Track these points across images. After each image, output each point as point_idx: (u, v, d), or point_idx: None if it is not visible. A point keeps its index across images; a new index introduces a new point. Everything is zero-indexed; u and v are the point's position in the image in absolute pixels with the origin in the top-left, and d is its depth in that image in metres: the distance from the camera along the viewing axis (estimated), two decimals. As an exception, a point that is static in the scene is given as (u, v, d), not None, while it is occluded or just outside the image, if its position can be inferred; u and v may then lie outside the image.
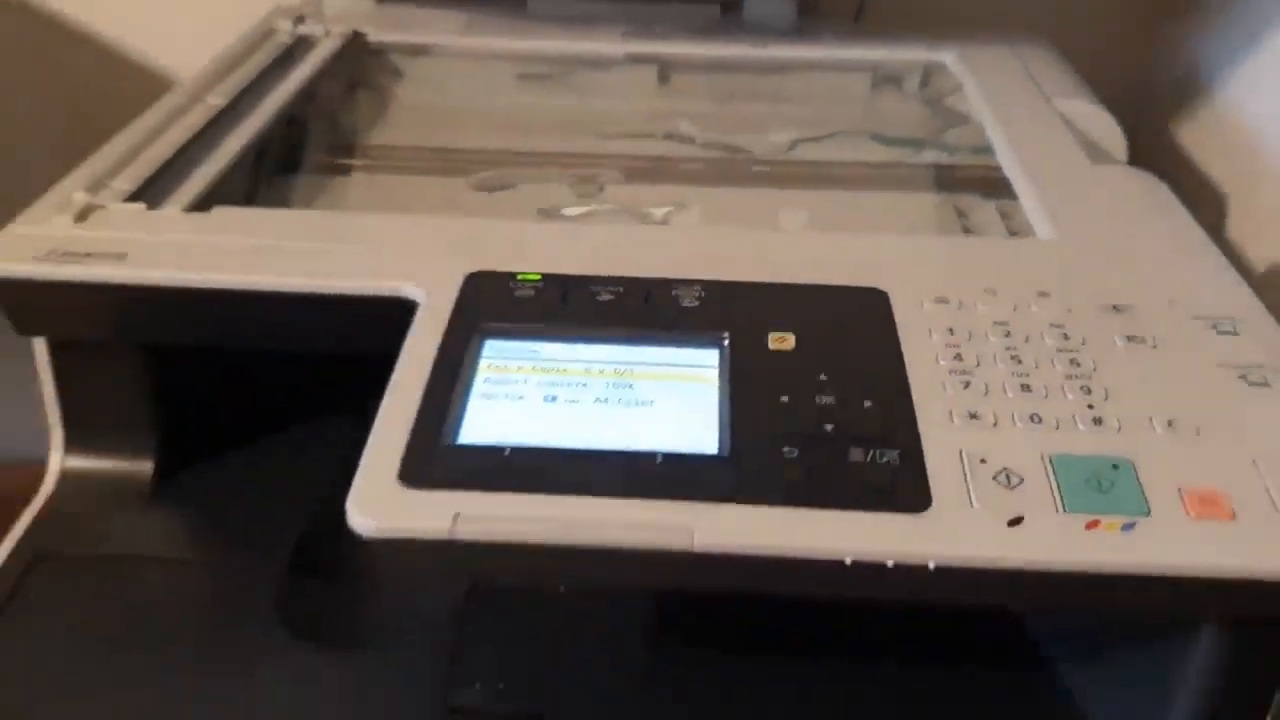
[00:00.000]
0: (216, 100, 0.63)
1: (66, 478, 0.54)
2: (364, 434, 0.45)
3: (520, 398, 0.42)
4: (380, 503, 0.37)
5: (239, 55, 0.69)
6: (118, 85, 0.99)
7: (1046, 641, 0.47)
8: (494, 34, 0.77)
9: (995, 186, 0.61)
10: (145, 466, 0.54)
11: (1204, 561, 0.36)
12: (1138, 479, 0.38)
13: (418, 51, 0.76)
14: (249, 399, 0.56)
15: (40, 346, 0.51)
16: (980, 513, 0.37)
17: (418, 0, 0.81)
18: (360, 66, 0.75)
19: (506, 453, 0.39)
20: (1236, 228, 0.76)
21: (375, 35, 0.75)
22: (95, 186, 0.53)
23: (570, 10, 0.80)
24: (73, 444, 0.54)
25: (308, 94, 0.67)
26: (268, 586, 0.49)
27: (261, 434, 0.57)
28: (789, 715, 0.45)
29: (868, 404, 0.41)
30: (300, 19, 0.76)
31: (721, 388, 0.42)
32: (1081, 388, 0.42)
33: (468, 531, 0.36)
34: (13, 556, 0.50)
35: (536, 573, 0.38)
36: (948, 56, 0.75)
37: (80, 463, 0.54)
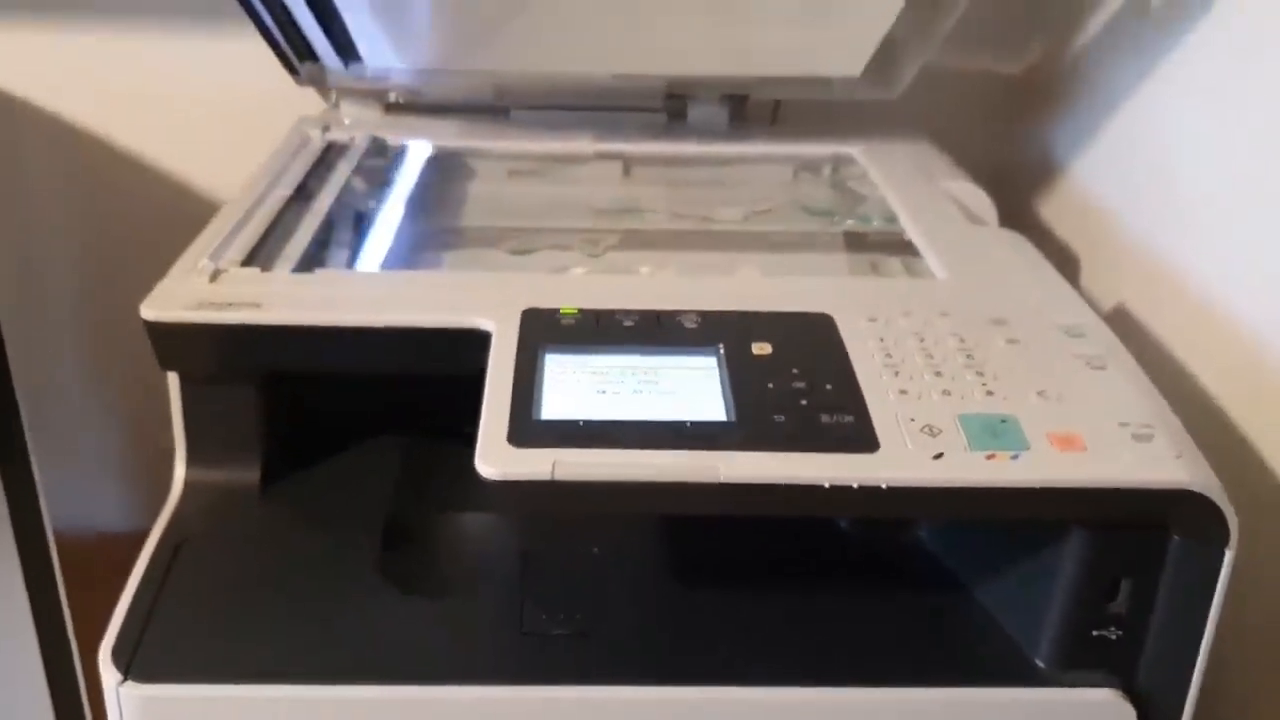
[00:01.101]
0: (284, 191, 0.78)
1: (189, 486, 0.67)
2: (428, 445, 0.65)
3: (579, 391, 0.57)
4: (498, 457, 0.52)
5: (288, 158, 0.85)
6: (140, 194, 1.12)
7: (957, 559, 0.64)
8: (486, 137, 0.94)
9: (898, 248, 0.79)
10: (253, 475, 0.67)
11: (1067, 476, 0.53)
12: (1020, 428, 0.55)
13: (429, 152, 0.92)
14: (336, 419, 0.71)
15: (173, 381, 0.65)
16: (914, 451, 0.53)
17: (418, 110, 0.97)
18: (384, 164, 0.91)
19: (580, 423, 0.54)
20: (1086, 277, 0.95)
21: (392, 140, 0.92)
22: (215, 256, 0.67)
23: (546, 118, 0.97)
24: (193, 460, 0.67)
25: (350, 186, 0.83)
26: (366, 556, 0.63)
27: (347, 447, 0.71)
28: (763, 624, 0.60)
29: (829, 387, 0.57)
30: (326, 127, 0.91)
31: (723, 379, 0.58)
32: (977, 373, 0.59)
33: (562, 474, 0.52)
34: (159, 546, 0.63)
35: (612, 504, 0.54)
36: (854, 150, 0.93)
37: (199, 475, 0.67)
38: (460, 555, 0.66)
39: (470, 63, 0.87)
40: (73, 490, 1.31)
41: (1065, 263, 0.95)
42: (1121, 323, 0.86)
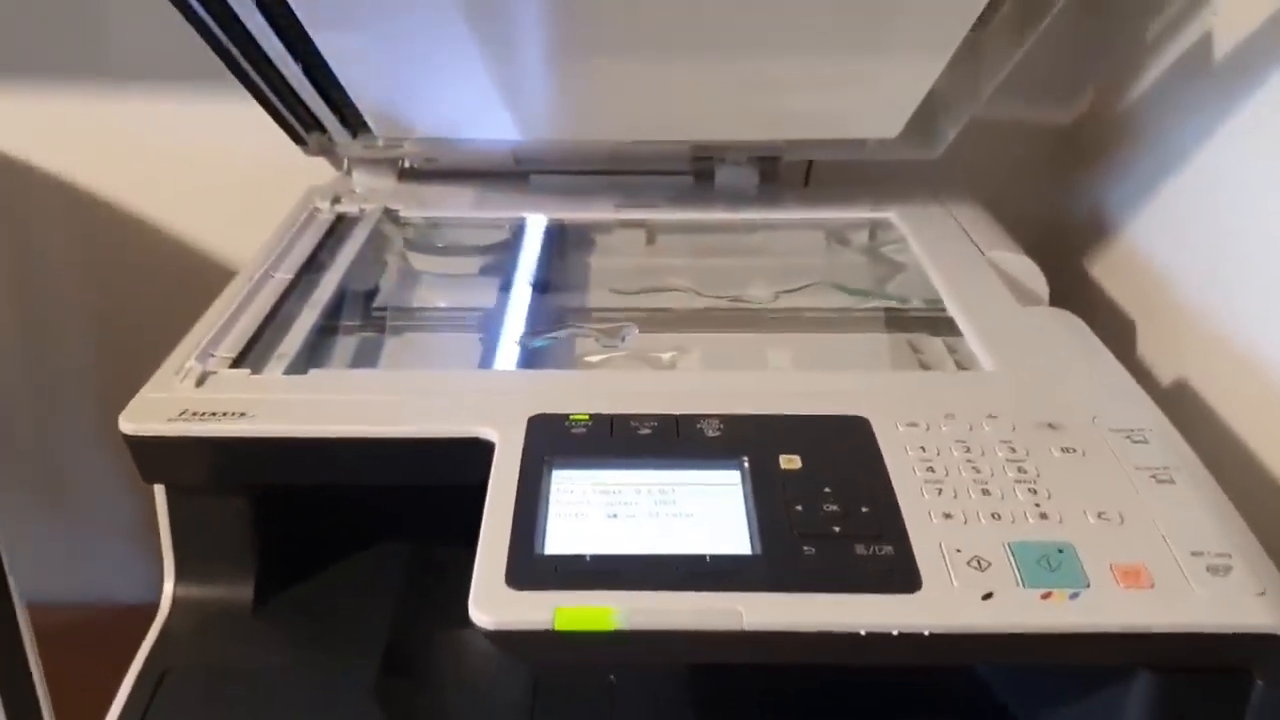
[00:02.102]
0: (285, 275, 0.74)
1: (178, 604, 0.63)
2: (430, 554, 0.60)
3: (587, 515, 0.52)
4: (494, 603, 0.47)
5: (293, 234, 0.80)
6: (151, 262, 1.09)
7: (1010, 697, 0.58)
8: (503, 206, 0.89)
9: (941, 326, 0.74)
10: (246, 592, 0.63)
11: (1133, 620, 0.47)
12: (1078, 559, 0.49)
13: (443, 224, 0.88)
14: (331, 534, 0.66)
15: (160, 492, 0.61)
16: (960, 590, 0.48)
17: (431, 179, 0.93)
18: (394, 238, 0.86)
19: (586, 559, 0.49)
20: (1143, 345, 0.89)
21: (404, 211, 0.87)
22: (203, 356, 0.63)
23: (566, 183, 0.92)
24: (183, 574, 0.63)
25: (358, 263, 0.78)
26: (363, 685, 0.58)
27: (344, 557, 0.66)
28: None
29: (864, 510, 0.52)
30: (336, 199, 0.87)
31: (746, 499, 0.53)
32: (1029, 489, 0.53)
33: (565, 622, 0.46)
34: (142, 675, 0.59)
35: (621, 655, 0.48)
36: (891, 214, 0.88)
37: (189, 591, 0.63)
38: (466, 681, 0.60)
39: (487, 133, 0.83)
40: (94, 560, 1.28)
41: (1120, 330, 0.89)
42: (1181, 399, 0.80)
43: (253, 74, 0.76)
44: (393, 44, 0.71)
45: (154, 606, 0.63)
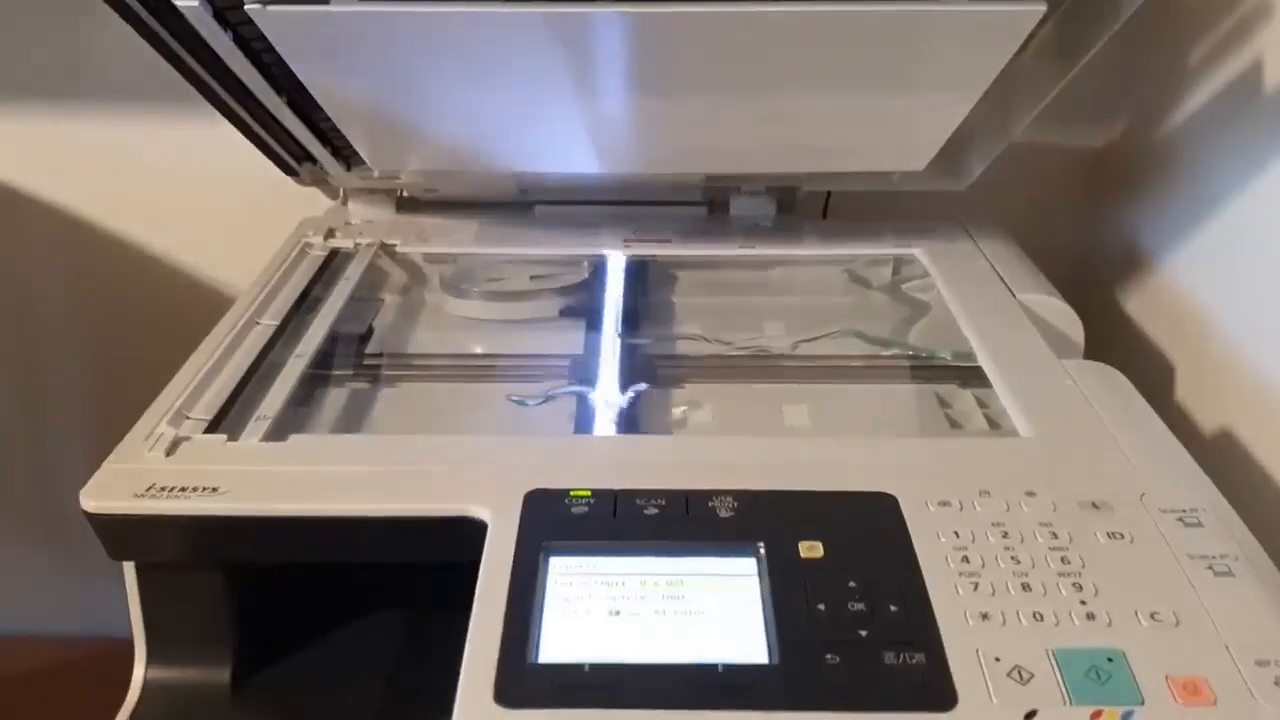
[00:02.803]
0: (270, 321, 0.69)
1: (149, 687, 0.58)
2: (419, 626, 0.58)
3: (588, 613, 0.47)
4: (483, 722, 0.42)
5: (282, 274, 0.76)
6: (145, 288, 1.05)
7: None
8: (506, 241, 0.84)
9: (971, 377, 0.69)
10: (223, 673, 0.58)
11: (1195, 747, 0.42)
12: (1130, 669, 0.44)
13: (441, 260, 0.83)
14: (315, 605, 0.62)
15: (129, 569, 0.57)
16: (1000, 709, 0.43)
17: (432, 209, 0.88)
18: (391, 276, 0.82)
19: (585, 669, 0.44)
20: (1183, 391, 0.84)
21: (401, 246, 0.82)
22: (176, 419, 0.58)
23: (573, 214, 0.87)
24: (155, 656, 0.58)
25: (349, 307, 0.74)
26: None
27: (327, 636, 0.62)
28: None
29: (893, 609, 0.47)
30: (330, 232, 0.82)
31: (763, 595, 0.48)
32: (1073, 584, 0.48)
33: (560, 749, 0.42)
34: (107, 766, 0.55)
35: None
36: (916, 250, 0.83)
37: (161, 673, 0.58)
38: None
39: (486, 165, 0.78)
40: (90, 592, 1.24)
41: (1158, 374, 0.84)
42: (1227, 450, 0.76)
43: (236, 108, 0.72)
44: (386, 78, 0.66)
45: None
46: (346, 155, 0.81)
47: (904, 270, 0.84)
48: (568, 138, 0.74)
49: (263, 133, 0.75)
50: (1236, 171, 0.78)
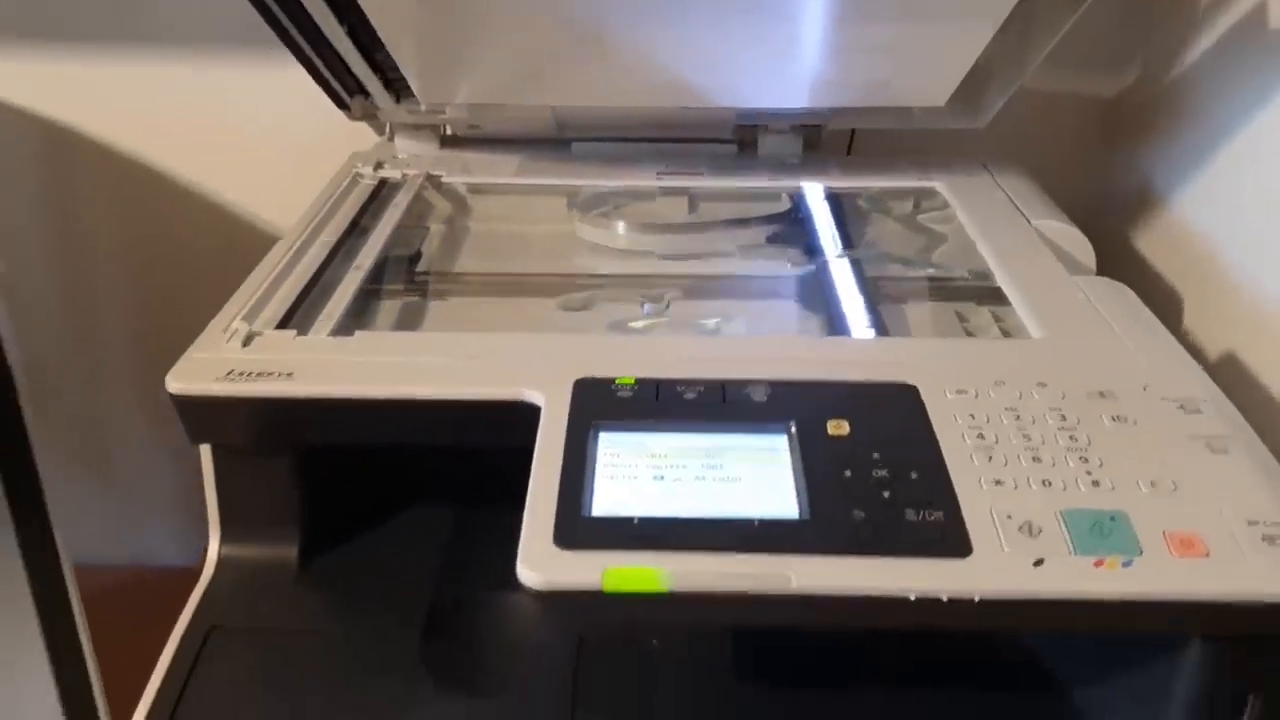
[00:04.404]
0: (329, 238, 0.74)
1: (223, 564, 0.63)
2: (472, 517, 0.62)
3: (635, 478, 0.52)
4: (543, 562, 0.47)
5: (336, 199, 0.80)
6: (193, 228, 1.09)
7: (1059, 667, 0.57)
8: (546, 174, 0.89)
9: (986, 295, 0.73)
10: (290, 552, 0.63)
11: (1187, 589, 0.46)
12: (1131, 526, 0.49)
13: (485, 190, 0.87)
14: (374, 493, 0.66)
15: (205, 453, 0.61)
16: (1011, 556, 0.47)
17: (475, 143, 0.92)
18: (438, 203, 0.86)
19: (634, 521, 0.49)
20: (1190, 319, 0.88)
21: (446, 177, 0.87)
22: (250, 316, 0.63)
23: (609, 150, 0.92)
24: (228, 535, 0.63)
25: (401, 228, 0.78)
26: (407, 646, 0.58)
27: (388, 519, 0.67)
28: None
29: (914, 475, 0.51)
30: (379, 164, 0.87)
31: (794, 465, 0.52)
32: (1080, 458, 0.53)
33: (613, 583, 0.46)
34: (188, 633, 0.59)
35: (668, 616, 0.48)
36: (937, 183, 0.87)
37: (234, 550, 0.63)
38: (508, 641, 0.60)
39: (529, 98, 0.82)
40: (136, 524, 1.30)
41: (1168, 303, 0.88)
42: (1231, 372, 0.79)
43: (297, 37, 0.76)
44: (440, 8, 0.70)
45: (195, 570, 0.63)
46: (397, 89, 0.85)
47: (924, 202, 0.88)
48: (606, 70, 0.78)
49: (320, 64, 0.80)
50: (1241, 108, 0.82)
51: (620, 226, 0.83)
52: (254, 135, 1.05)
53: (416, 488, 0.67)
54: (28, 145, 1.07)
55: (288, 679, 0.57)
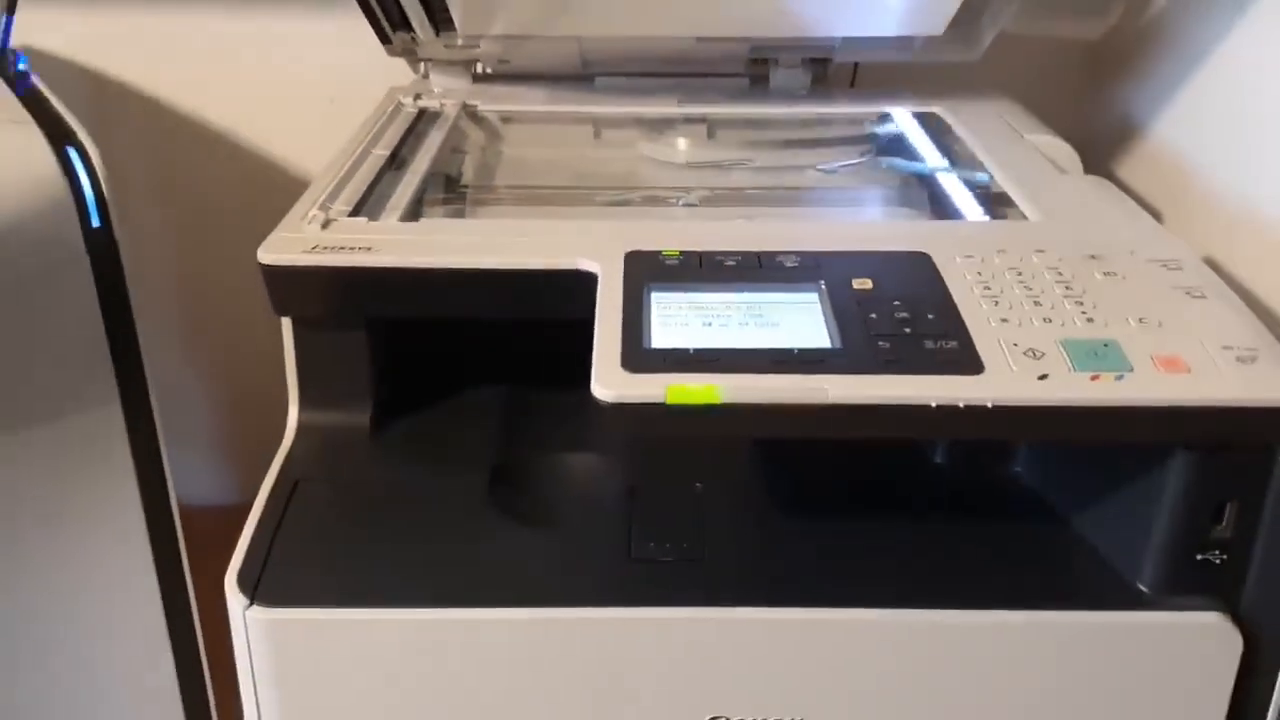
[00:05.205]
0: (382, 151, 0.81)
1: (301, 429, 0.69)
2: (532, 390, 0.70)
3: (686, 324, 0.59)
4: (614, 381, 0.54)
5: (382, 125, 0.87)
6: (227, 174, 1.16)
7: (1060, 494, 0.65)
8: (573, 103, 0.96)
9: (988, 199, 0.80)
10: (363, 418, 0.70)
11: (1172, 395, 0.53)
12: (1123, 351, 0.56)
13: (519, 118, 0.94)
14: (441, 365, 0.73)
15: (287, 326, 0.68)
16: (1018, 373, 0.54)
17: (505, 79, 0.99)
18: (474, 130, 0.93)
19: (690, 351, 0.56)
20: (1170, 228, 0.95)
21: (482, 107, 0.94)
22: (325, 205, 0.70)
23: (630, 84, 0.99)
24: (305, 402, 0.70)
25: (445, 148, 0.85)
26: (476, 491, 0.65)
27: (451, 394, 0.73)
28: (863, 552, 0.62)
29: (930, 316, 0.58)
30: (418, 96, 0.94)
31: (825, 313, 0.59)
32: (1076, 303, 0.60)
33: (675, 397, 0.53)
34: (276, 485, 0.66)
35: (723, 427, 0.55)
36: (939, 108, 0.94)
37: (311, 417, 0.70)
38: (567, 491, 0.67)
39: (560, 29, 0.89)
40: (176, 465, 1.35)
41: (1149, 218, 0.95)
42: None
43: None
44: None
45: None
46: (437, 21, 0.92)
47: (929, 124, 0.95)
48: (629, 1, 0.85)
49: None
50: (1213, 35, 0.89)
51: (681, 142, 0.90)
52: (288, 83, 1.11)
53: (478, 366, 0.74)
54: (68, 93, 1.12)
55: (372, 522, 0.64)
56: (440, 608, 0.58)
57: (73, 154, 0.67)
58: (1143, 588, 0.59)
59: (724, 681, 0.59)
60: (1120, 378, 0.54)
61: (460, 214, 0.80)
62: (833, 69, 1.01)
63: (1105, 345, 0.56)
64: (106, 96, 1.12)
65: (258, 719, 0.61)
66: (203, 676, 0.81)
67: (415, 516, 0.64)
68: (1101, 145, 1.06)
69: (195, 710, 0.81)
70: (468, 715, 0.60)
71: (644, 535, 0.62)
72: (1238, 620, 0.58)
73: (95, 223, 0.67)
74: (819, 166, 0.89)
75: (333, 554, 0.62)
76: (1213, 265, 0.86)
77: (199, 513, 0.91)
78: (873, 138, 0.94)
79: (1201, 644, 0.59)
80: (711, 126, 0.95)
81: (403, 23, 0.92)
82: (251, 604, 0.58)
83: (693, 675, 0.59)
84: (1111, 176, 1.03)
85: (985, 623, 0.59)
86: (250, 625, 0.58)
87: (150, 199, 1.17)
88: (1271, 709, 0.60)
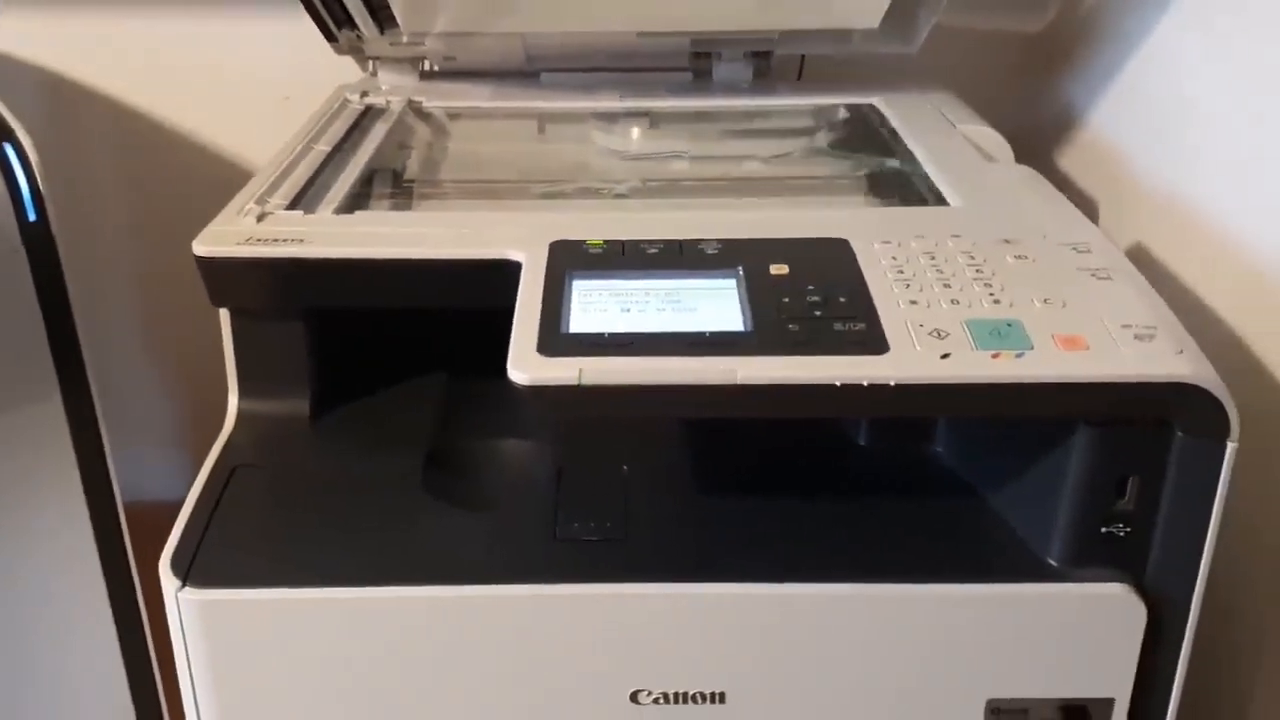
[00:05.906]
0: (324, 147, 0.82)
1: (241, 417, 0.71)
2: (466, 379, 0.71)
3: (605, 310, 0.60)
4: (529, 364, 0.55)
5: (327, 120, 0.89)
6: (186, 173, 1.17)
7: (970, 471, 0.67)
8: (517, 99, 0.97)
9: (917, 189, 0.82)
10: (302, 406, 0.71)
11: (1069, 371, 0.55)
12: (1025, 330, 0.58)
13: (464, 114, 0.96)
14: (378, 355, 0.75)
15: (225, 316, 0.69)
16: (922, 352, 0.56)
17: (452, 76, 1.01)
18: (420, 125, 0.95)
19: (606, 335, 0.58)
20: (1105, 218, 0.97)
21: (427, 104, 0.96)
22: (261, 200, 0.71)
23: (574, 80, 1.00)
24: (245, 391, 0.71)
25: (388, 143, 0.87)
26: (410, 476, 0.67)
27: (387, 383, 0.75)
28: (782, 528, 0.64)
29: (842, 300, 0.60)
30: (364, 93, 0.95)
31: (741, 296, 0.61)
32: (984, 284, 0.61)
33: (589, 379, 0.55)
34: (214, 470, 0.67)
35: (635, 407, 0.57)
36: (876, 100, 0.96)
37: (251, 405, 0.71)
38: (499, 476, 0.69)
39: (503, 25, 0.91)
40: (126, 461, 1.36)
41: (1083, 206, 0.96)
42: (1139, 259, 0.88)
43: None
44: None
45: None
46: (381, 19, 0.94)
47: (865, 116, 0.97)
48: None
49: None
50: (1148, 26, 0.92)
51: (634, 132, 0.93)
52: (242, 83, 1.13)
53: (414, 356, 0.75)
54: (24, 93, 1.14)
55: (307, 506, 0.65)
56: (370, 586, 0.60)
57: (8, 149, 0.68)
58: (1051, 561, 0.61)
59: (646, 656, 0.61)
60: (1020, 355, 0.56)
61: (404, 208, 0.82)
62: (778, 62, 1.03)
63: (1009, 325, 0.58)
64: (64, 96, 1.13)
65: (193, 701, 0.62)
66: (150, 667, 0.82)
67: (350, 500, 0.65)
68: (1041, 136, 1.09)
69: (143, 700, 0.82)
70: (399, 691, 0.62)
71: (569, 516, 0.64)
72: (1142, 591, 0.60)
73: (31, 217, 0.68)
74: (755, 157, 0.90)
75: (266, 536, 0.63)
76: (1142, 251, 0.89)
77: (155, 508, 0.93)
78: (809, 129, 0.96)
79: (1108, 615, 0.61)
80: (654, 120, 0.97)
81: (347, 20, 0.94)
82: (184, 585, 0.60)
83: (615, 650, 0.61)
84: (1051, 167, 1.06)
85: (900, 595, 0.61)
86: (183, 607, 0.60)
87: (111, 198, 1.19)
88: (1176, 677, 0.62)
